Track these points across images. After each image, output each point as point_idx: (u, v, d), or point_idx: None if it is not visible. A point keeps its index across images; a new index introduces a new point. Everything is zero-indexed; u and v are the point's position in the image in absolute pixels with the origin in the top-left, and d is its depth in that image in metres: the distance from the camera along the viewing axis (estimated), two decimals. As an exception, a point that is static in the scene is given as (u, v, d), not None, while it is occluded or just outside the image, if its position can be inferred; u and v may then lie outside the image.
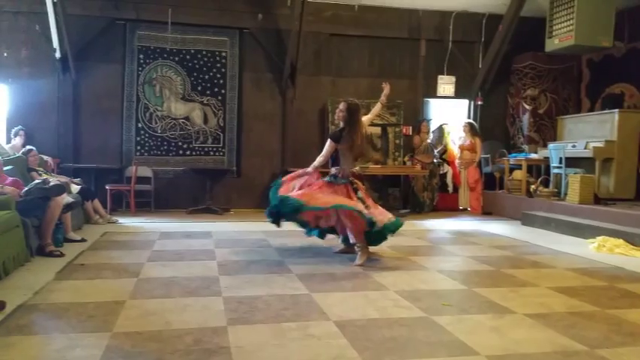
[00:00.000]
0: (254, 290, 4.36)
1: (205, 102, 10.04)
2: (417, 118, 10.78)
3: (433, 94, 10.99)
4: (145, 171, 9.55)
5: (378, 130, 10.25)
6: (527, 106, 10.76)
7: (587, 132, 9.38)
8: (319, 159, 5.81)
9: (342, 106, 5.74)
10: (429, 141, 10.41)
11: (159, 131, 9.87)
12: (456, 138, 10.82)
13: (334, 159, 5.80)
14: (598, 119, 9.35)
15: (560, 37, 9.16)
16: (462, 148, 10.48)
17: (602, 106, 10.04)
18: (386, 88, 6.23)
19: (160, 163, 9.87)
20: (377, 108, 6.22)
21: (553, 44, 9.40)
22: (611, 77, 9.94)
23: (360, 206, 5.43)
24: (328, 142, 5.82)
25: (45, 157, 8.25)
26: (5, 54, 9.23)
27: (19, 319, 3.54)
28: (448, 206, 10.60)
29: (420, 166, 10.20)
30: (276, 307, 3.90)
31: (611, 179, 8.73)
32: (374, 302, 4.10)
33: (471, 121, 10.64)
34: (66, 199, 6.13)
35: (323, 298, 4.15)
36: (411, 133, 10.71)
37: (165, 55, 9.84)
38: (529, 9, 9.80)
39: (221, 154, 10.18)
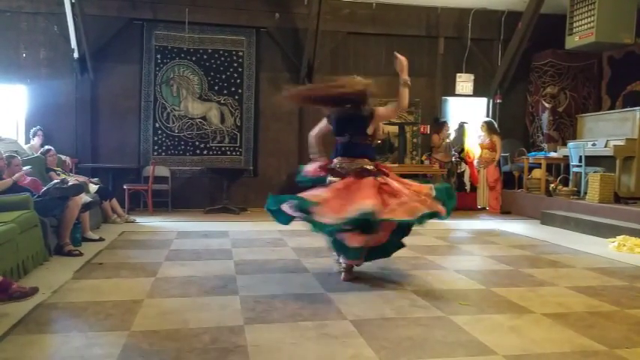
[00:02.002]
0: (271, 289, 4.36)
1: (222, 101, 10.06)
2: (434, 117, 10.73)
3: (451, 92, 10.92)
4: (163, 171, 9.60)
5: (395, 128, 10.21)
6: (546, 104, 10.65)
7: (608, 130, 9.25)
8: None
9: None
10: (448, 140, 10.35)
11: (176, 131, 9.92)
12: (475, 137, 10.73)
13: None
14: (619, 117, 9.21)
15: (581, 34, 9.07)
16: (481, 146, 10.39)
17: (623, 104, 9.91)
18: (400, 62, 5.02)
19: (177, 162, 9.92)
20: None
21: (573, 41, 9.30)
22: (633, 74, 9.78)
23: None
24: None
25: (63, 157, 8.33)
26: (24, 55, 9.33)
27: (38, 317, 3.57)
28: (466, 205, 10.51)
29: (438, 164, 10.15)
30: (293, 307, 3.90)
31: (632, 178, 8.59)
32: (391, 302, 4.08)
33: (489, 119, 10.56)
34: (84, 198, 6.18)
35: (340, 298, 4.13)
36: (429, 132, 10.65)
37: (183, 55, 9.88)
38: (549, 6, 9.70)
39: (238, 153, 10.20)
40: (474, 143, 10.65)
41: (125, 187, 9.02)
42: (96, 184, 7.95)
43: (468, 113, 11.14)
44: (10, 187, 5.44)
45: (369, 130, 4.78)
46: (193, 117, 9.98)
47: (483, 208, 10.47)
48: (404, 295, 4.28)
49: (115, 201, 8.12)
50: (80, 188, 6.02)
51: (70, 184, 5.96)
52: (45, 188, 5.76)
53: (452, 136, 10.36)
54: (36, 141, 8.82)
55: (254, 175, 10.24)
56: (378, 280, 4.78)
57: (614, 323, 3.65)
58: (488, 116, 10.92)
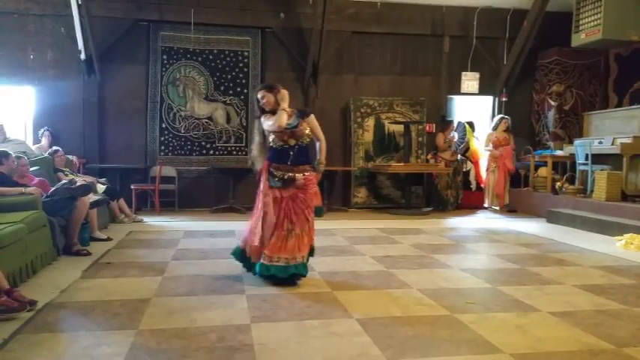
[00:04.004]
0: (277, 288, 4.37)
1: (228, 102, 10.08)
2: (442, 115, 10.72)
3: (457, 91, 10.90)
4: (169, 171, 9.63)
5: (400, 127, 10.20)
6: (552, 103, 10.62)
7: (615, 128, 9.21)
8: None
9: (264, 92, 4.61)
10: (454, 138, 10.31)
11: (182, 131, 9.95)
12: (480, 135, 10.70)
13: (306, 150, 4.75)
14: (626, 115, 9.18)
15: (587, 31, 9.02)
16: (498, 143, 10.22)
17: (630, 102, 9.87)
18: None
19: (183, 162, 9.95)
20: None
21: (579, 39, 9.26)
22: (640, 72, 9.77)
23: None
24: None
25: (70, 157, 8.37)
26: (31, 56, 9.38)
27: (47, 317, 3.60)
28: (472, 204, 10.51)
29: (443, 163, 10.13)
30: (299, 305, 3.91)
31: (639, 176, 8.54)
32: (397, 300, 4.09)
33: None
34: (92, 198, 6.21)
35: (345, 296, 4.15)
36: (434, 131, 10.64)
37: (189, 56, 9.90)
38: (555, 3, 9.68)
39: (244, 153, 10.20)
40: (481, 142, 10.62)
41: (132, 187, 9.05)
42: (103, 184, 7.99)
43: (473, 112, 11.11)
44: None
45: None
46: (199, 117, 10.00)
47: (487, 207, 10.43)
48: (410, 293, 4.29)
49: (122, 201, 8.16)
50: (88, 188, 6.05)
51: (78, 184, 5.99)
52: (53, 189, 5.80)
53: (456, 137, 10.31)
54: (44, 141, 8.87)
55: (260, 174, 10.23)
56: (383, 278, 4.78)
57: (621, 322, 3.65)
58: (494, 114, 10.88)
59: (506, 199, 10.23)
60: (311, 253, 4.73)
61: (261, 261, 4.47)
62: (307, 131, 4.65)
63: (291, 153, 4.57)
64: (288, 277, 4.41)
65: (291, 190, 4.52)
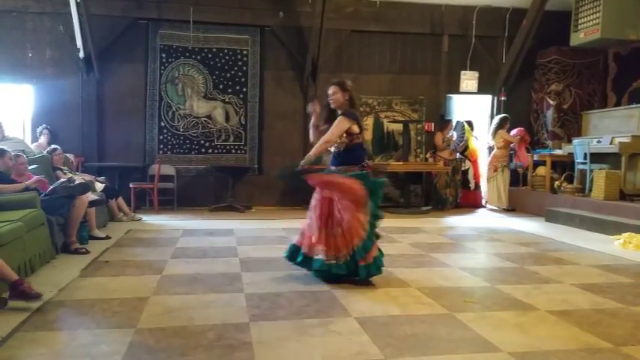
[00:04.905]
0: (276, 287, 4.38)
1: (227, 100, 10.08)
2: (440, 114, 10.72)
3: (456, 90, 10.89)
4: (168, 169, 9.63)
5: (399, 126, 10.21)
6: (551, 102, 10.62)
7: (613, 127, 9.22)
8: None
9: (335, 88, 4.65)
10: (453, 138, 10.30)
11: (181, 130, 9.94)
12: (479, 134, 10.70)
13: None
14: (624, 114, 9.19)
15: (586, 30, 9.02)
16: (508, 141, 10.21)
17: (628, 101, 9.88)
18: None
19: (182, 161, 9.95)
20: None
21: (578, 38, 9.26)
22: (639, 71, 9.74)
23: None
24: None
25: (68, 155, 8.36)
26: (30, 54, 9.36)
27: (45, 315, 3.60)
28: (471, 203, 10.51)
29: (442, 162, 10.13)
30: (298, 304, 3.92)
31: (637, 175, 8.55)
32: (395, 299, 4.09)
33: None
34: (90, 197, 6.21)
35: (344, 295, 4.15)
36: (433, 130, 10.64)
37: (188, 54, 9.89)
38: (554, 2, 9.67)
39: (243, 152, 10.21)
40: (483, 142, 10.62)
41: (131, 185, 9.04)
42: (102, 182, 7.97)
43: (472, 111, 11.10)
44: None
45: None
46: (198, 116, 9.99)
47: (484, 206, 10.44)
48: (408, 292, 4.30)
49: (121, 199, 8.16)
50: (87, 187, 6.04)
51: (76, 182, 5.99)
52: (52, 187, 5.79)
53: (454, 136, 10.29)
54: (43, 140, 8.86)
55: (259, 173, 10.25)
56: (382, 277, 4.76)
57: (619, 320, 3.66)
58: (493, 114, 10.89)
59: (505, 200, 10.20)
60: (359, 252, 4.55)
61: (319, 257, 4.46)
62: (343, 138, 4.61)
63: (334, 157, 4.70)
64: (346, 274, 4.42)
65: (327, 192, 4.55)
